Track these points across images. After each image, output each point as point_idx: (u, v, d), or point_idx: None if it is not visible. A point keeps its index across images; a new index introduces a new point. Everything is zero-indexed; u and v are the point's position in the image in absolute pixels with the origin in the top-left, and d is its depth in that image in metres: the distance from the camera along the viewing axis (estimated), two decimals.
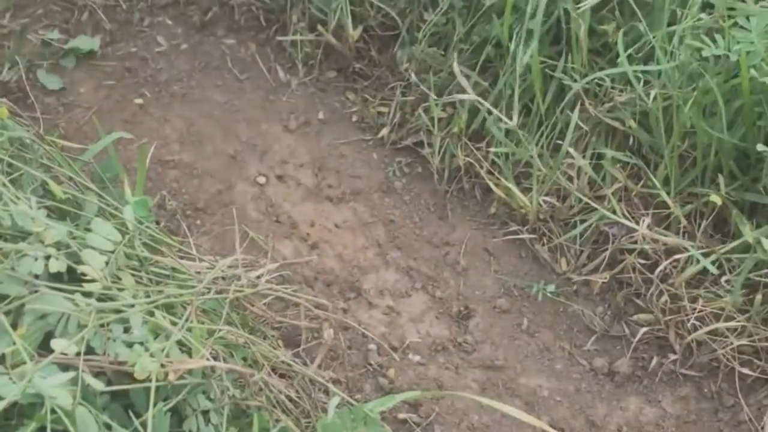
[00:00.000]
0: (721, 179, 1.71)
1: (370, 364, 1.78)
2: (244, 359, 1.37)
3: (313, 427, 1.44)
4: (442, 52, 2.04)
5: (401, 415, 1.71)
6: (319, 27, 2.22)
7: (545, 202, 1.90)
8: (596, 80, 1.81)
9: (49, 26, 2.35)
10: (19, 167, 1.30)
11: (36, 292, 1.07)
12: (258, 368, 1.36)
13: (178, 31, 2.39)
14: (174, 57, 2.33)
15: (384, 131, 2.17)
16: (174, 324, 1.16)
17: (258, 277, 1.44)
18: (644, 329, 1.79)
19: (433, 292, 1.92)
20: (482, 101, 1.86)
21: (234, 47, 2.36)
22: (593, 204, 1.82)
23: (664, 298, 1.76)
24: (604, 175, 1.87)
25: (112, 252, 1.18)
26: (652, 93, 1.71)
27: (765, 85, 1.55)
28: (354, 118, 2.23)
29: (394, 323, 1.86)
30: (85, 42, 2.30)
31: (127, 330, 1.13)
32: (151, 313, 1.15)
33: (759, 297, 1.64)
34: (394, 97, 2.17)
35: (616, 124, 1.84)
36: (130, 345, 1.11)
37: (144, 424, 1.05)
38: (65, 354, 1.01)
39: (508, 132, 1.93)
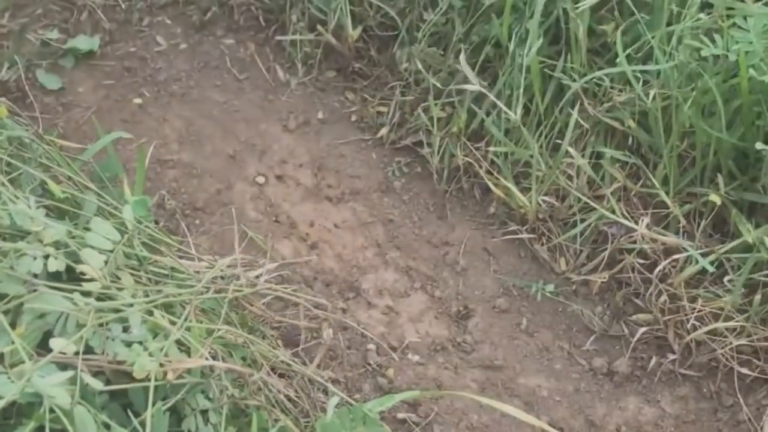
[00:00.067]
0: (720, 179, 1.71)
1: (369, 364, 1.78)
2: (243, 359, 1.37)
3: (312, 426, 1.44)
4: (442, 52, 2.04)
5: (400, 415, 1.71)
6: (319, 27, 2.22)
7: (544, 201, 1.90)
8: (595, 80, 1.81)
9: (48, 26, 2.35)
10: (18, 166, 1.30)
11: (35, 291, 1.07)
12: (257, 368, 1.36)
13: (177, 30, 2.39)
14: (173, 57, 2.33)
15: (383, 131, 2.17)
16: (173, 323, 1.16)
17: (257, 277, 1.44)
18: (643, 329, 1.80)
19: (432, 292, 1.92)
20: (486, 92, 1.86)
21: (233, 47, 2.36)
22: (592, 204, 1.82)
23: (663, 297, 1.76)
24: (603, 175, 1.87)
25: (111, 251, 1.18)
26: (651, 93, 1.71)
27: (764, 84, 1.55)
28: (353, 118, 2.23)
29: (393, 323, 1.86)
30: (84, 42, 2.30)
31: (126, 329, 1.13)
32: (150, 313, 1.15)
33: (758, 297, 1.64)
34: (393, 97, 2.17)
35: (615, 124, 1.84)
36: (129, 344, 1.11)
37: (143, 424, 1.05)
38: (64, 353, 1.01)
39: (507, 131, 1.93)
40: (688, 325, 1.73)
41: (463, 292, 1.92)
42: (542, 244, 1.96)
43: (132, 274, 1.23)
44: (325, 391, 1.56)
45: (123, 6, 2.40)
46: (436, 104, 2.02)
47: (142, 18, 2.40)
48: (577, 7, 1.74)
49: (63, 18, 2.38)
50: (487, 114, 1.97)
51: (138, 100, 2.23)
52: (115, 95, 2.24)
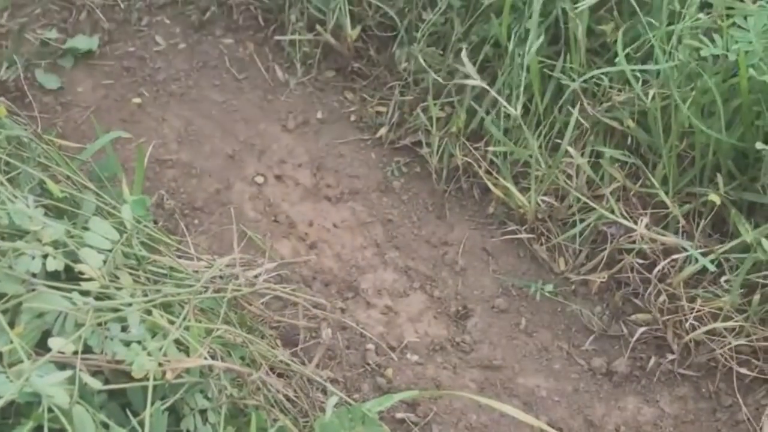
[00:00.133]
0: (719, 179, 1.71)
1: (368, 364, 1.78)
2: (242, 358, 1.37)
3: (311, 426, 1.44)
4: (441, 52, 2.04)
5: (399, 415, 1.71)
6: (318, 26, 2.22)
7: (543, 201, 1.90)
8: (594, 80, 1.81)
9: (47, 26, 2.35)
10: (17, 166, 1.30)
11: (33, 290, 1.07)
12: (256, 367, 1.36)
13: (176, 30, 2.39)
14: (172, 56, 2.33)
15: (382, 131, 2.17)
16: (172, 323, 1.16)
17: (256, 277, 1.44)
18: (642, 329, 1.80)
19: (432, 292, 1.92)
20: (487, 88, 1.85)
21: (232, 47, 2.36)
22: (591, 203, 1.82)
23: (663, 297, 1.76)
24: (603, 175, 1.87)
25: (110, 251, 1.18)
26: (651, 92, 1.71)
27: (763, 84, 1.55)
28: (352, 118, 2.23)
29: (392, 323, 1.86)
30: (83, 41, 2.30)
31: (124, 329, 1.13)
32: (149, 312, 1.15)
33: (757, 297, 1.64)
34: (392, 97, 2.17)
35: (615, 124, 1.84)
36: (127, 344, 1.11)
37: (141, 423, 1.05)
38: (62, 353, 1.00)
39: (506, 131, 1.93)
40: (687, 325, 1.73)
41: (462, 292, 1.92)
42: (541, 244, 1.96)
43: (131, 274, 1.23)
44: (324, 391, 1.56)
45: (122, 6, 2.40)
46: (435, 104, 2.02)
47: (141, 18, 2.40)
48: (576, 7, 1.74)
49: (62, 18, 2.37)
50: (486, 113, 1.97)
51: (137, 100, 2.23)
52: (114, 95, 2.24)
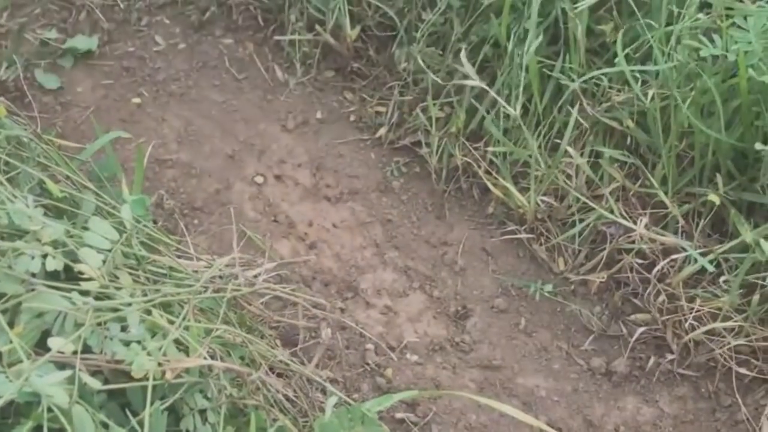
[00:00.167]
0: (719, 179, 1.72)
1: (368, 364, 1.78)
2: (242, 358, 1.37)
3: (310, 426, 1.44)
4: (440, 52, 2.04)
5: (399, 415, 1.71)
6: (317, 27, 2.22)
7: (543, 201, 1.90)
8: (594, 80, 1.81)
9: (46, 25, 2.35)
10: (17, 166, 1.30)
11: (33, 290, 1.07)
12: (255, 367, 1.36)
13: (176, 30, 2.39)
14: (172, 56, 2.33)
15: (382, 131, 2.17)
16: (171, 323, 1.16)
17: (255, 277, 1.44)
18: (642, 329, 1.80)
19: (431, 292, 1.92)
20: (486, 88, 1.85)
21: (232, 47, 2.36)
22: (591, 203, 1.82)
23: (662, 297, 1.76)
24: (602, 175, 1.87)
25: (110, 251, 1.18)
26: (650, 93, 1.71)
27: (763, 84, 1.55)
28: (352, 118, 2.23)
29: (392, 323, 1.86)
30: (83, 41, 2.30)
31: (124, 329, 1.13)
32: (149, 312, 1.15)
33: (756, 297, 1.64)
34: (392, 97, 2.17)
35: (614, 124, 1.84)
36: (127, 344, 1.11)
37: (141, 423, 1.05)
38: (62, 352, 1.00)
39: (506, 131, 1.93)
40: (687, 325, 1.73)
41: (461, 292, 1.92)
42: (541, 244, 1.96)
43: (130, 274, 1.23)
44: (324, 391, 1.56)
45: (121, 6, 2.40)
46: (434, 104, 2.02)
47: (140, 18, 2.40)
48: (576, 7, 1.74)
49: (61, 18, 2.37)
50: (486, 114, 1.97)
51: (137, 100, 2.23)
52: (114, 95, 2.24)
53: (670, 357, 1.78)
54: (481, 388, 1.77)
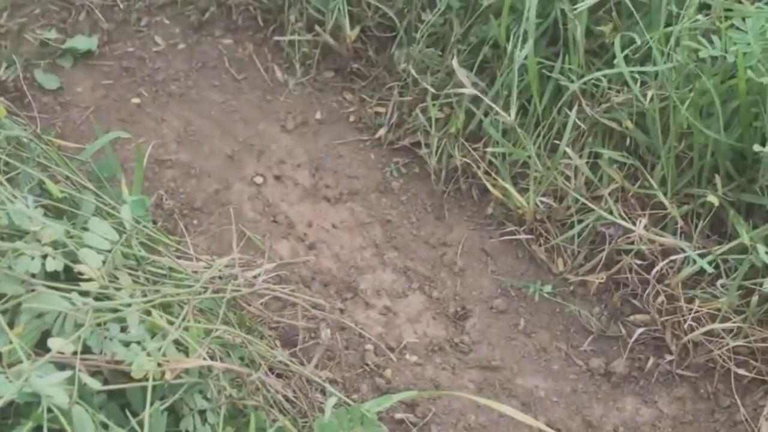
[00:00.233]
0: (717, 180, 1.72)
1: (367, 364, 1.78)
2: (241, 359, 1.37)
3: (310, 427, 1.44)
4: (440, 53, 2.04)
5: (398, 415, 1.71)
6: (317, 27, 2.22)
7: (542, 202, 1.91)
8: (593, 81, 1.81)
9: (46, 26, 2.35)
10: (17, 166, 1.30)
11: (33, 291, 1.07)
12: (255, 368, 1.36)
13: (175, 30, 2.39)
14: (171, 57, 2.33)
15: (381, 131, 2.17)
16: (171, 323, 1.16)
17: (255, 277, 1.44)
18: (641, 330, 1.80)
19: (430, 293, 1.92)
20: (482, 96, 1.86)
21: (231, 47, 2.36)
22: (590, 204, 1.82)
23: (661, 298, 1.76)
24: (601, 176, 1.87)
25: (109, 251, 1.18)
26: (649, 94, 1.71)
27: (761, 85, 1.55)
28: (351, 119, 2.23)
29: (391, 323, 1.87)
30: (83, 42, 2.30)
31: (124, 329, 1.13)
32: (148, 313, 1.15)
33: (755, 298, 1.64)
34: (391, 98, 2.17)
35: (613, 125, 1.84)
36: (127, 344, 1.11)
37: (141, 424, 1.05)
38: (62, 353, 1.01)
39: (505, 132, 1.93)
40: (686, 326, 1.73)
41: (460, 293, 1.92)
42: (540, 245, 1.96)
43: (130, 274, 1.23)
44: (323, 392, 1.56)
45: (121, 6, 2.40)
46: (434, 105, 2.02)
47: (140, 18, 2.40)
48: (575, 9, 1.74)
49: (61, 18, 2.37)
50: (485, 114, 1.97)
51: (136, 100, 2.23)
52: (114, 95, 2.24)
53: (669, 358, 1.79)
54: (481, 388, 1.77)
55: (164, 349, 1.10)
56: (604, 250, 1.85)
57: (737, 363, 1.72)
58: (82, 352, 1.03)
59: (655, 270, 1.76)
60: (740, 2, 1.60)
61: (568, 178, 1.88)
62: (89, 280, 1.12)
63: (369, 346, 1.81)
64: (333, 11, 2.15)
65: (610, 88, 1.82)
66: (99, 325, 1.10)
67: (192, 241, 1.70)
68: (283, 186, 2.09)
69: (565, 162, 1.87)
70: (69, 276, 1.13)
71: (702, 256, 1.69)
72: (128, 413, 1.11)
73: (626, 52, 1.73)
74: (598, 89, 1.84)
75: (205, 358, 1.17)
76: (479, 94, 1.86)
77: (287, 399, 1.43)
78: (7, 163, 1.29)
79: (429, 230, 2.03)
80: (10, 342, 0.99)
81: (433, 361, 1.81)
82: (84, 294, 1.10)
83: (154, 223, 1.86)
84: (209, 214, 2.02)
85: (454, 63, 1.86)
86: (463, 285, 1.94)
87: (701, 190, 1.76)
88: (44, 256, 1.09)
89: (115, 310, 1.11)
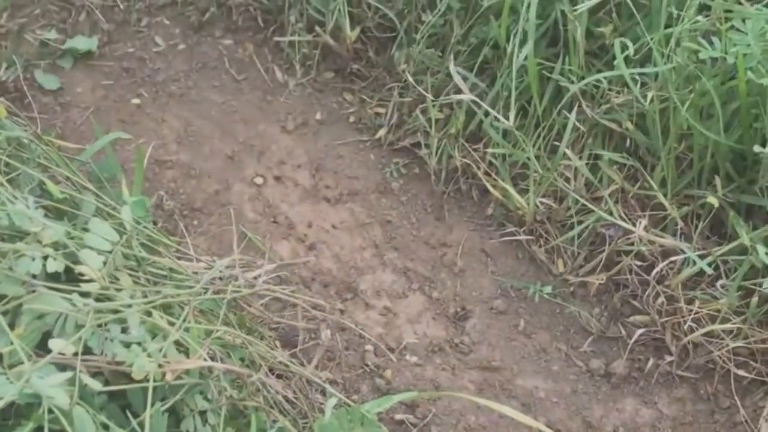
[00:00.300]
0: (717, 181, 1.72)
1: (367, 365, 1.78)
2: (242, 360, 1.37)
3: (310, 427, 1.44)
4: (440, 54, 2.04)
5: (398, 416, 1.71)
6: (317, 28, 2.22)
7: (542, 203, 1.91)
8: (593, 82, 1.81)
9: (46, 26, 2.35)
10: (17, 167, 1.30)
11: (34, 292, 1.07)
12: (255, 369, 1.36)
13: (175, 31, 2.39)
14: (171, 57, 2.33)
15: (381, 132, 2.17)
16: (171, 324, 1.16)
17: (255, 278, 1.44)
18: (641, 331, 1.80)
19: (430, 293, 1.92)
20: (479, 101, 1.86)
21: (231, 48, 2.36)
22: (590, 205, 1.82)
23: (661, 299, 1.76)
24: (601, 177, 1.87)
25: (110, 252, 1.18)
26: (649, 95, 1.71)
27: (761, 87, 1.55)
28: (351, 119, 2.23)
29: (391, 324, 1.87)
30: (83, 42, 2.30)
31: (124, 330, 1.13)
32: (149, 314, 1.15)
33: (755, 299, 1.64)
34: (391, 98, 2.17)
35: (613, 126, 1.84)
36: (127, 345, 1.11)
37: (141, 424, 1.05)
38: (63, 354, 1.01)
39: (505, 133, 1.93)
40: (685, 327, 1.73)
41: (460, 294, 1.92)
42: (540, 246, 1.96)
43: (130, 275, 1.23)
44: (323, 392, 1.56)
45: (121, 6, 2.40)
46: (434, 105, 2.02)
47: (140, 18, 2.40)
48: (575, 10, 1.74)
49: (61, 18, 2.37)
50: (486, 115, 1.97)
51: (136, 101, 2.23)
52: (114, 96, 2.24)
53: (668, 359, 1.79)
54: (481, 389, 1.77)
55: (165, 350, 1.10)
56: (604, 251, 1.85)
57: (737, 364, 1.72)
58: (83, 353, 1.03)
59: (655, 271, 1.76)
60: (740, 3, 1.60)
61: (568, 179, 1.88)
62: (90, 281, 1.12)
63: (369, 347, 1.81)
64: (333, 12, 2.15)
65: (610, 89, 1.82)
66: (100, 326, 1.11)
67: (192, 242, 1.70)
68: (283, 186, 2.09)
69: (565, 163, 1.87)
70: (70, 277, 1.13)
71: (702, 257, 1.69)
72: (129, 414, 1.11)
73: (627, 53, 1.73)
74: (598, 90, 1.84)
75: (205, 359, 1.17)
76: (476, 99, 1.86)
77: (287, 400, 1.43)
78: (7, 164, 1.29)
79: (429, 231, 2.03)
80: (11, 343, 0.99)
81: (433, 362, 1.81)
82: (85, 295, 1.10)
83: (155, 223, 1.86)
84: (209, 214, 2.02)
85: (452, 67, 1.86)
86: (463, 286, 1.94)
87: (701, 191, 1.76)
88: (45, 257, 1.10)
89: (116, 311, 1.11)
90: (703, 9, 1.64)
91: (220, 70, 2.31)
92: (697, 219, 1.78)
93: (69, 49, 2.29)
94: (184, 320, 1.17)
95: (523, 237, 1.97)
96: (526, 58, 1.79)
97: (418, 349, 1.83)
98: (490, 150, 1.96)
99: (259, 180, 2.09)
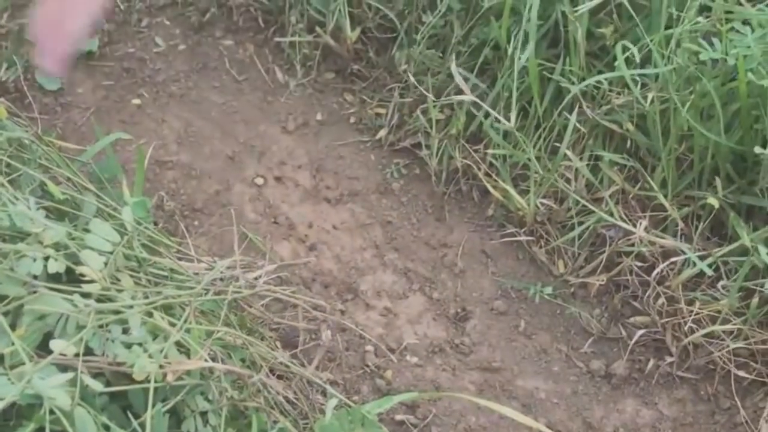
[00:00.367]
0: (718, 182, 1.72)
1: (368, 366, 1.79)
2: (243, 360, 1.37)
3: (310, 428, 1.44)
4: (441, 54, 2.04)
5: (398, 417, 1.71)
6: (318, 28, 2.22)
7: (543, 204, 1.91)
8: (594, 83, 1.81)
9: None
10: (18, 168, 1.30)
11: (35, 292, 1.07)
12: (256, 369, 1.36)
13: (176, 31, 2.39)
14: (172, 58, 2.33)
15: (382, 133, 2.17)
16: (172, 325, 1.16)
17: (256, 279, 1.44)
18: (641, 331, 1.80)
19: (431, 294, 1.92)
20: (480, 102, 1.86)
21: (232, 48, 2.36)
22: (590, 206, 1.82)
23: (661, 300, 1.77)
24: (602, 178, 1.87)
25: (111, 253, 1.18)
26: (650, 96, 1.71)
27: (762, 88, 1.55)
28: (352, 120, 2.23)
29: (392, 325, 1.87)
30: (83, 42, 2.30)
31: (125, 331, 1.13)
32: (150, 314, 1.15)
33: (755, 300, 1.64)
34: (392, 99, 2.17)
35: (614, 127, 1.84)
36: (128, 346, 1.11)
37: (142, 425, 1.05)
38: (64, 355, 1.01)
39: (506, 134, 1.93)
40: (686, 328, 1.73)
41: (461, 294, 1.93)
42: (540, 247, 1.96)
43: (131, 276, 1.23)
44: (324, 393, 1.56)
45: (122, 7, 2.40)
46: (434, 106, 2.02)
47: (140, 19, 2.40)
48: (576, 11, 1.74)
49: None
50: (486, 116, 1.97)
51: (137, 101, 2.23)
52: (114, 96, 2.24)
53: (669, 360, 1.79)
54: (481, 390, 1.78)
55: (166, 351, 1.10)
56: (604, 251, 1.85)
57: (737, 365, 1.72)
58: (84, 354, 1.03)
59: (655, 272, 1.76)
60: (741, 4, 1.60)
61: (568, 180, 1.88)
62: (91, 281, 1.12)
63: (369, 348, 1.82)
64: (334, 12, 2.15)
65: (610, 91, 1.82)
66: (101, 326, 1.11)
67: (193, 243, 1.70)
68: (283, 187, 2.09)
69: (566, 164, 1.87)
70: (71, 278, 1.13)
71: (702, 258, 1.69)
72: (130, 415, 1.11)
73: (627, 54, 1.73)
74: (598, 91, 1.84)
75: (206, 360, 1.17)
76: (477, 100, 1.86)
77: (288, 400, 1.43)
78: (8, 165, 1.29)
79: (429, 231, 2.03)
80: (12, 344, 0.99)
81: (433, 363, 1.81)
82: (86, 296, 1.10)
83: (156, 224, 1.86)
84: (210, 215, 2.02)
85: (453, 68, 1.86)
86: (464, 286, 1.94)
87: (702, 192, 1.76)
88: (46, 258, 1.10)
89: (117, 312, 1.11)
90: (704, 10, 1.64)
91: (221, 71, 2.31)
92: (697, 220, 1.78)
93: None
94: (185, 321, 1.17)
95: (523, 238, 1.97)
96: (527, 59, 1.79)
97: (418, 350, 1.83)
98: (490, 151, 1.96)
99: (259, 180, 2.09)
